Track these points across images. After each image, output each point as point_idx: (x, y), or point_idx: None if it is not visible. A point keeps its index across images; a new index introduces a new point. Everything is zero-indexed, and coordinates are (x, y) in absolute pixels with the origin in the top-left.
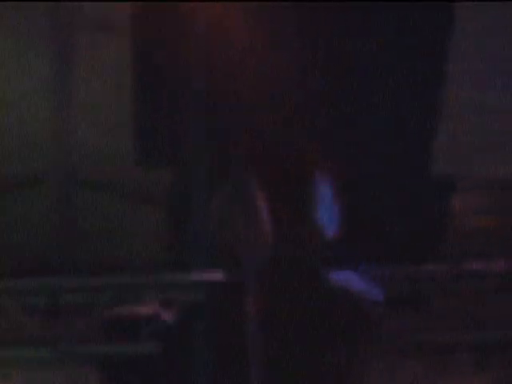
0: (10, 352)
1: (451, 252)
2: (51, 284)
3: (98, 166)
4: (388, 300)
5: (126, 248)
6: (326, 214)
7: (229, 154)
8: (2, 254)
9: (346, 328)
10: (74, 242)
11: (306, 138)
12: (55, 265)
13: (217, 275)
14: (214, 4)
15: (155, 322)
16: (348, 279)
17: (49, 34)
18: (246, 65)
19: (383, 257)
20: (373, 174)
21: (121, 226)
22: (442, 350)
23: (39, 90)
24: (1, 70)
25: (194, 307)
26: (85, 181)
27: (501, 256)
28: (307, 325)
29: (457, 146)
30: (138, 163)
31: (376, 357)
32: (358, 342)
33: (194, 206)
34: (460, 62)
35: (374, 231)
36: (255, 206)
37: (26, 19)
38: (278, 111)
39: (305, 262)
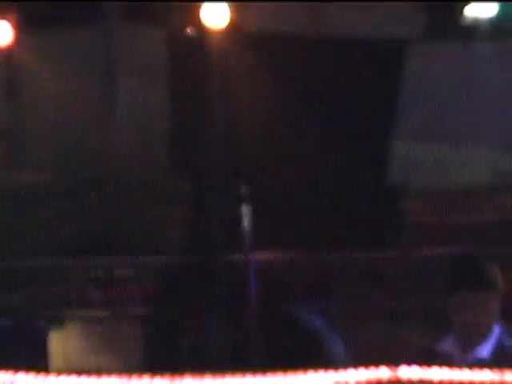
0: (75, 312)
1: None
2: (108, 261)
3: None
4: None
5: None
6: None
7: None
8: (71, 238)
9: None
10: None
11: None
12: (109, 246)
13: None
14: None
15: None
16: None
17: (103, 73)
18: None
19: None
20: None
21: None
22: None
23: (100, 114)
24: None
25: None
26: (129, 185)
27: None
28: None
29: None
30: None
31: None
32: None
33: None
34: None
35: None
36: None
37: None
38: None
39: None
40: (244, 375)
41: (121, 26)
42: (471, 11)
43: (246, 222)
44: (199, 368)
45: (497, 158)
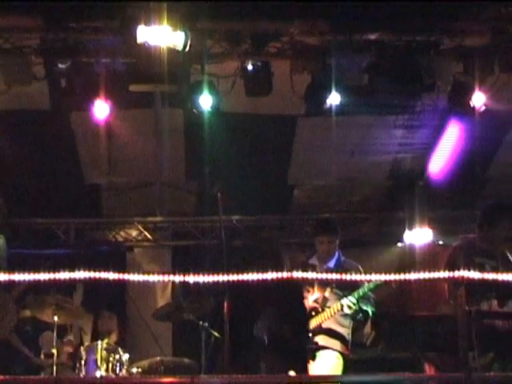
0: None
1: None
2: None
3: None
4: None
5: None
6: None
7: None
8: None
9: None
10: None
11: None
12: None
13: None
14: None
15: None
16: None
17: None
18: None
19: None
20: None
21: None
22: None
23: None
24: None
25: None
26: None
27: None
28: None
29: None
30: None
31: None
32: None
33: None
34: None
35: None
36: None
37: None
38: None
39: None
40: None
41: (162, 108)
42: (331, 100)
43: None
44: None
45: None
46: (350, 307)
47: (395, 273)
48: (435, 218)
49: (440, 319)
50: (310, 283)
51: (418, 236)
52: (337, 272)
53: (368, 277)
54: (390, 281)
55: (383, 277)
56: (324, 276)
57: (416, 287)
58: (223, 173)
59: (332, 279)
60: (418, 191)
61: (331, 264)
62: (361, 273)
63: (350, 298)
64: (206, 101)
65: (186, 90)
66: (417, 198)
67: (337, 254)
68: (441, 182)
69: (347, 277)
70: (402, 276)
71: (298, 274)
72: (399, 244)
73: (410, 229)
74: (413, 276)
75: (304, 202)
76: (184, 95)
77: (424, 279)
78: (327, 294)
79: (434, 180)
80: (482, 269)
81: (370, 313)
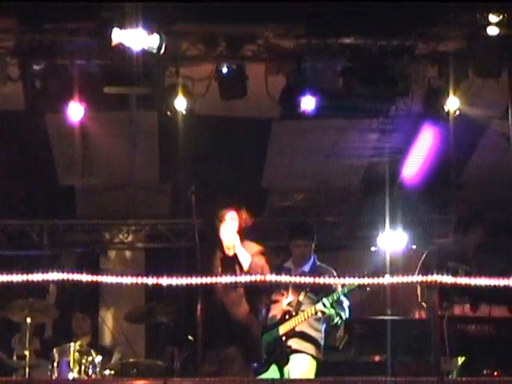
0: None
1: None
2: None
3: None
4: None
5: None
6: None
7: None
8: None
9: None
10: None
11: None
12: None
13: None
14: None
15: None
16: None
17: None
18: None
19: None
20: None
21: None
22: None
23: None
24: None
25: None
26: None
27: None
28: None
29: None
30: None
31: None
32: None
33: None
34: None
35: None
36: None
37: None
38: None
39: None
40: None
41: (137, 111)
42: (305, 103)
43: None
44: None
45: None
46: (323, 311)
47: (369, 277)
48: (409, 222)
49: (413, 323)
50: (285, 287)
51: (392, 240)
52: (311, 276)
53: (342, 281)
54: (364, 285)
55: (357, 281)
56: (298, 280)
57: (389, 291)
58: (197, 175)
59: (306, 283)
60: (392, 195)
61: (306, 268)
62: (335, 277)
63: (324, 301)
64: (180, 103)
65: (160, 93)
66: (391, 202)
67: (312, 258)
68: (415, 186)
69: (321, 280)
70: (376, 280)
71: (272, 278)
72: (373, 248)
73: (384, 233)
74: (386, 280)
75: (278, 205)
76: (158, 98)
77: (397, 283)
78: (301, 297)
79: (408, 184)
80: (455, 273)
81: (344, 317)
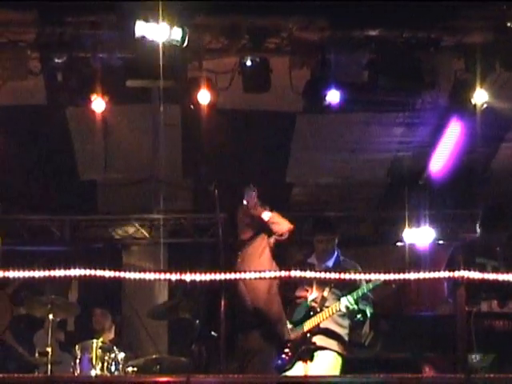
0: None
1: None
2: None
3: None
4: None
5: None
6: None
7: None
8: None
9: None
10: None
11: None
12: None
13: None
14: None
15: None
16: None
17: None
18: None
19: None
20: None
21: None
22: None
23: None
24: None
25: None
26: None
27: None
28: None
29: None
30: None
31: None
32: None
33: None
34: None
35: None
36: None
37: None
38: None
39: None
40: None
41: (159, 104)
42: (330, 96)
43: None
44: None
45: None
46: (348, 307)
47: (395, 273)
48: (435, 217)
49: (439, 319)
50: (309, 283)
51: (418, 235)
52: (335, 271)
53: (367, 276)
54: (390, 281)
55: (382, 277)
56: (322, 275)
57: (415, 287)
58: (220, 170)
59: (330, 278)
60: (418, 190)
61: (330, 263)
62: (360, 272)
63: (348, 297)
64: (203, 97)
65: (183, 86)
66: (417, 197)
67: (335, 253)
68: (441, 180)
69: (346, 276)
70: (402, 276)
71: (296, 273)
72: (399, 244)
73: (410, 228)
74: (412, 276)
75: (302, 200)
76: (181, 91)
77: (424, 279)
78: (326, 293)
79: (434, 178)
80: (482, 269)
81: (369, 313)
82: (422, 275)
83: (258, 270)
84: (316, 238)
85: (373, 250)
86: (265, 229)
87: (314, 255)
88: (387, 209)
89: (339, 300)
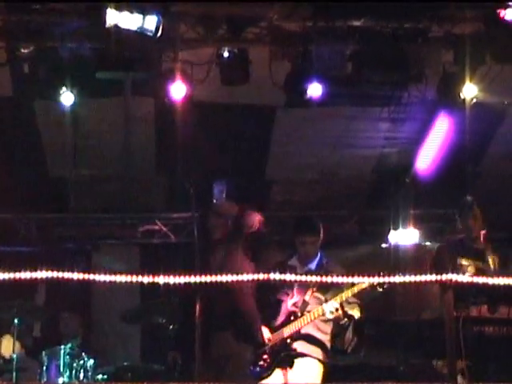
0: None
1: None
2: None
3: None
4: None
5: None
6: None
7: None
8: None
9: None
10: None
11: None
12: None
13: None
14: None
15: None
16: None
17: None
18: None
19: None
20: None
21: None
22: None
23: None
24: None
25: None
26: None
27: None
28: None
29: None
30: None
31: None
32: None
33: None
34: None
35: None
36: None
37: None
38: None
39: None
40: None
41: (131, 98)
42: (312, 90)
43: None
44: None
45: None
46: (332, 312)
47: (380, 276)
48: (422, 217)
49: (426, 324)
50: (290, 286)
51: (404, 236)
52: (318, 274)
53: (352, 280)
54: (375, 284)
55: (367, 280)
56: (304, 278)
57: (401, 290)
58: (196, 166)
59: (313, 282)
60: (405, 188)
61: (312, 266)
62: (344, 275)
63: (332, 302)
64: (178, 90)
65: (157, 78)
66: (403, 196)
67: (319, 255)
68: (429, 178)
69: (329, 279)
70: (387, 279)
71: (276, 276)
72: (384, 245)
73: (396, 228)
74: (398, 279)
75: (283, 198)
76: (155, 83)
77: (410, 282)
78: (307, 297)
79: (421, 176)
80: (464, 271)
81: (353, 319)
82: (409, 278)
83: (233, 270)
84: (299, 239)
85: (356, 251)
86: (236, 225)
87: (296, 257)
88: (372, 208)
89: (321, 304)
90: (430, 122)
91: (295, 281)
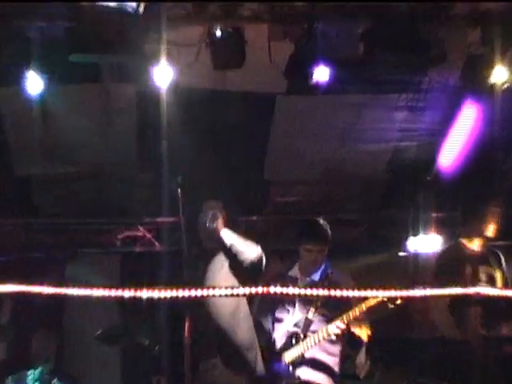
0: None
1: None
2: None
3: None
4: None
5: None
6: None
7: None
8: None
9: None
10: None
11: None
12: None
13: None
14: None
15: None
16: None
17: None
18: None
19: None
20: None
21: None
22: None
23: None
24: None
25: None
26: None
27: None
28: None
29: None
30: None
31: None
32: None
33: None
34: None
35: None
36: None
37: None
38: None
39: None
40: None
41: (109, 84)
42: (318, 74)
43: None
44: None
45: None
46: (337, 335)
47: (396, 289)
48: (445, 220)
49: (449, 345)
50: (290, 302)
51: (425, 243)
52: (323, 287)
53: (363, 293)
54: (391, 298)
55: (382, 294)
56: (307, 292)
57: (418, 305)
58: (184, 164)
59: (317, 296)
60: (425, 187)
61: (316, 276)
62: (354, 288)
63: (337, 322)
64: (163, 75)
65: (139, 62)
66: (423, 196)
67: (324, 264)
68: (453, 175)
69: (336, 293)
70: (406, 293)
71: (275, 290)
72: (401, 253)
73: (415, 234)
74: (419, 292)
75: (283, 200)
76: (137, 68)
77: (431, 296)
78: (310, 315)
79: (444, 173)
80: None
81: (365, 338)
82: (430, 292)
83: (221, 285)
84: (304, 247)
85: (369, 260)
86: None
87: (297, 266)
88: (387, 210)
89: (328, 323)
90: (453, 111)
91: (299, 295)
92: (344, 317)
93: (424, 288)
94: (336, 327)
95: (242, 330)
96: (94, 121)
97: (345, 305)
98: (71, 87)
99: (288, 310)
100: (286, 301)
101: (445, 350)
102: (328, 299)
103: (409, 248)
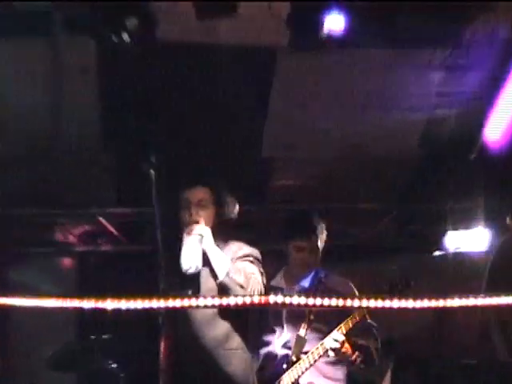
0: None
1: None
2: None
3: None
4: None
5: None
6: None
7: None
8: None
9: None
10: None
11: None
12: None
13: None
14: None
15: None
16: None
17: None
18: None
19: None
20: None
21: None
22: None
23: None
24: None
25: None
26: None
27: None
28: None
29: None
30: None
31: None
32: None
33: None
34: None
35: None
36: None
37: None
38: None
39: None
40: None
41: (64, 38)
42: (329, 24)
43: None
44: None
45: None
46: (335, 349)
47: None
48: (494, 210)
49: (495, 368)
50: (277, 319)
51: (468, 239)
52: (315, 295)
53: (372, 303)
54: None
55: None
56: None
57: (463, 319)
58: (160, 139)
59: (308, 307)
60: (467, 169)
61: (305, 283)
62: (354, 293)
63: (334, 333)
64: (132, 26)
65: (101, 11)
66: (465, 181)
67: (314, 268)
68: (503, 154)
69: (332, 302)
70: (442, 302)
71: (277, 298)
72: (437, 252)
73: (456, 228)
74: (457, 302)
75: (285, 184)
76: (99, 18)
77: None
78: (303, 332)
79: (492, 151)
80: None
81: (374, 350)
82: (473, 302)
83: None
84: (293, 243)
85: (396, 262)
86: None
87: (281, 274)
88: (418, 199)
89: (324, 339)
90: (503, 71)
91: (281, 310)
92: (342, 326)
93: (469, 297)
94: (333, 340)
95: (236, 360)
96: (43, 87)
97: (343, 314)
98: (14, 43)
99: (274, 330)
100: (271, 319)
101: (492, 377)
102: (324, 310)
103: (447, 246)
